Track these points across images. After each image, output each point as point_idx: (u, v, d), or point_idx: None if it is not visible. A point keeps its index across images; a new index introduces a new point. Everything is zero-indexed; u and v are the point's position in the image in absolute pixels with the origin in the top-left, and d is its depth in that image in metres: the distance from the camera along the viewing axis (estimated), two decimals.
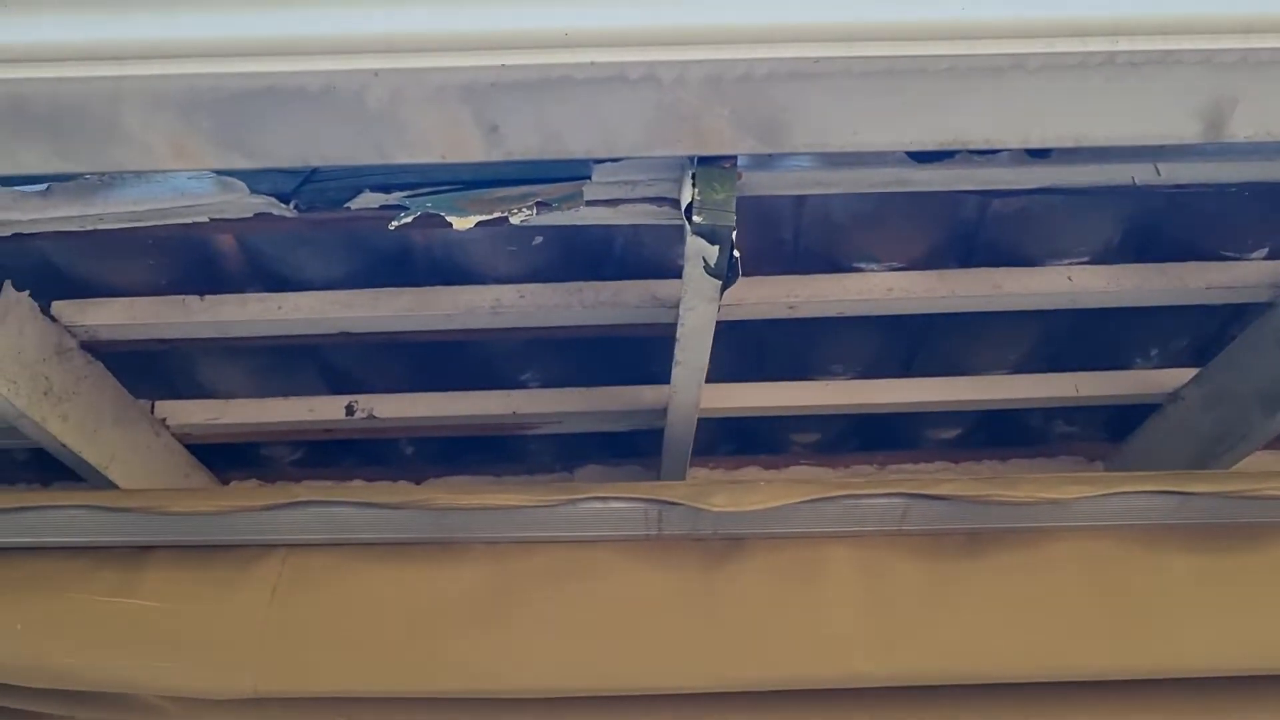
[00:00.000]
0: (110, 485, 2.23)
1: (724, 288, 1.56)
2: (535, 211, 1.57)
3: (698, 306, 1.64)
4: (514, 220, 1.57)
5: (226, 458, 2.68)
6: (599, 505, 1.84)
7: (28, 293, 1.92)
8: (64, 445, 2.07)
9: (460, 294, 1.98)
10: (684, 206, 1.46)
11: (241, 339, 2.12)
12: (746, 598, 1.88)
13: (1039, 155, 1.57)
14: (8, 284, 1.85)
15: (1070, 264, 1.98)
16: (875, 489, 1.82)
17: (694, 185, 1.46)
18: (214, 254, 1.99)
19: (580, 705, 1.91)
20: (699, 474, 2.58)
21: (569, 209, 1.58)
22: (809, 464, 2.69)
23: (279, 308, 2.03)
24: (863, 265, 1.99)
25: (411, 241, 1.96)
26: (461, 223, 1.56)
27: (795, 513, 1.81)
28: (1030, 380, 2.35)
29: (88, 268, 2.00)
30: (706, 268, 1.50)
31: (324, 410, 2.43)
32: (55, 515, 1.91)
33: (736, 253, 1.49)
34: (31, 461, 2.81)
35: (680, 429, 2.11)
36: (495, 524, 1.90)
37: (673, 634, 1.88)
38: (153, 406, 2.42)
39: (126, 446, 2.28)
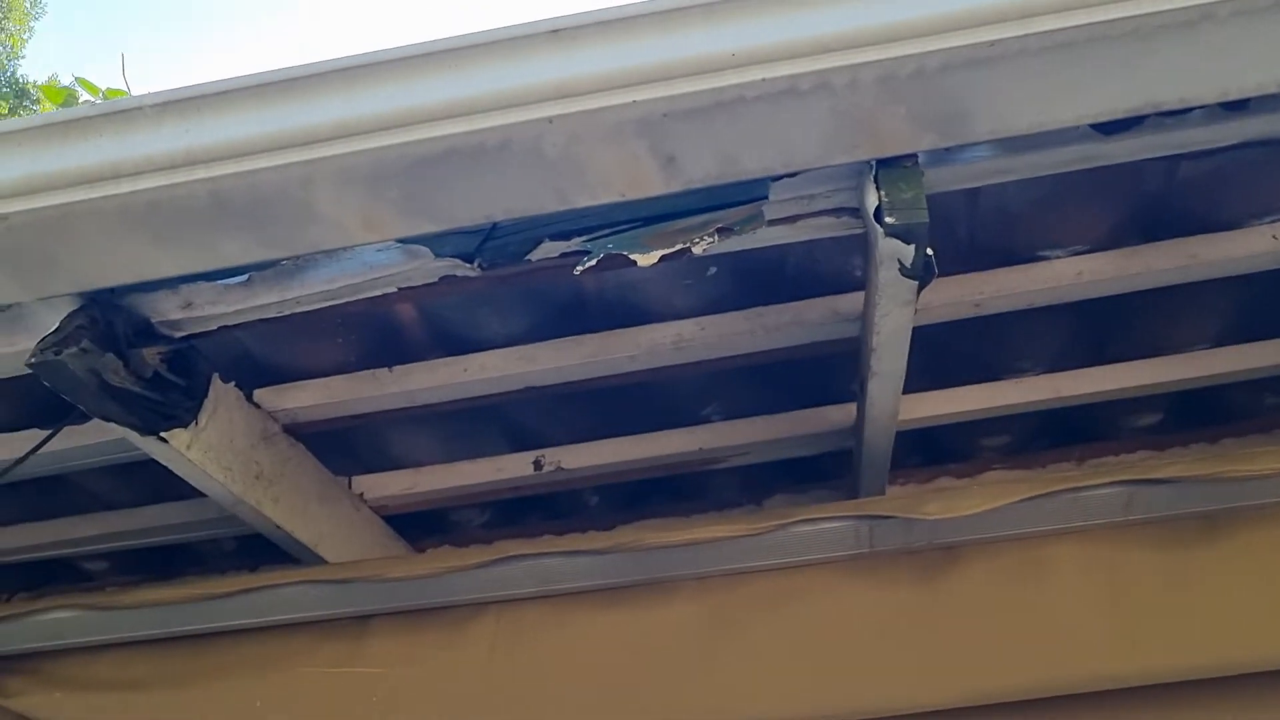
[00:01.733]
0: (321, 562, 2.30)
1: (920, 288, 1.53)
2: (717, 238, 1.56)
3: (893, 312, 1.60)
4: (696, 250, 1.57)
5: (419, 526, 2.74)
6: (808, 528, 1.82)
7: (233, 383, 2.00)
8: (278, 526, 2.14)
9: (641, 334, 1.99)
10: (872, 211, 1.43)
11: (429, 405, 2.17)
12: (970, 607, 1.82)
13: (1235, 108, 1.49)
14: (215, 376, 1.94)
15: (1274, 221, 1.87)
16: (1095, 479, 1.75)
17: (878, 188, 1.43)
18: (398, 325, 2.05)
19: None
20: (893, 491, 2.51)
21: (751, 231, 1.57)
22: (1003, 468, 2.60)
23: (465, 370, 2.07)
24: (1045, 253, 1.93)
25: (585, 289, 1.98)
26: (645, 259, 1.57)
27: (1014, 513, 1.75)
28: (1235, 352, 2.23)
29: (283, 353, 2.08)
30: (902, 269, 1.47)
31: (512, 468, 2.46)
32: (282, 593, 1.98)
33: (929, 251, 1.46)
34: (239, 550, 2.93)
35: (878, 443, 2.06)
36: (704, 558, 1.89)
37: (894, 652, 1.83)
38: (350, 482, 2.49)
39: (332, 523, 2.35)
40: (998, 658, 1.78)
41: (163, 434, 1.79)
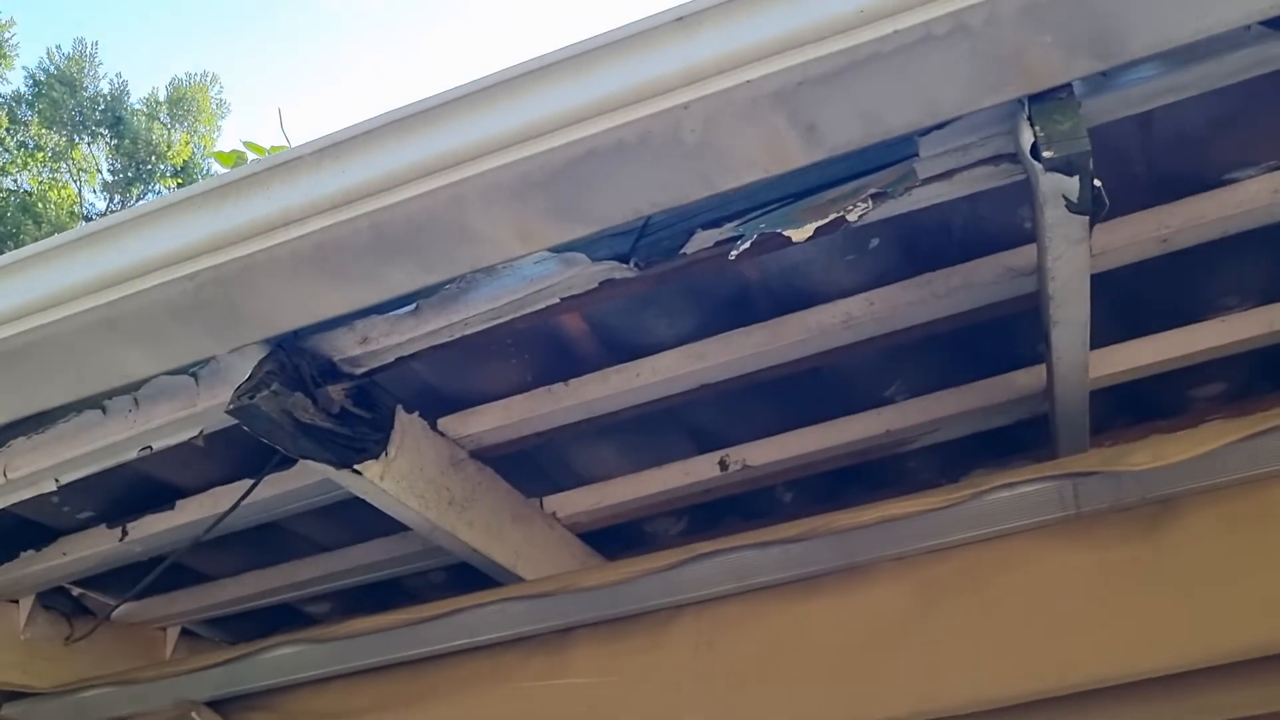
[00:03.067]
0: (520, 581, 2.34)
1: (1092, 223, 1.44)
2: (871, 204, 1.52)
3: (1066, 253, 1.52)
4: (850, 218, 1.53)
5: (615, 540, 2.76)
6: (1007, 494, 1.74)
7: (416, 413, 2.07)
8: (475, 550, 2.19)
9: (809, 316, 1.95)
10: (1028, 149, 1.36)
11: (608, 415, 2.18)
12: (1194, 563, 1.70)
13: None
14: (398, 408, 2.00)
15: None
16: None
17: (1033, 125, 1.36)
18: (566, 339, 2.07)
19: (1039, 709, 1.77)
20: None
21: (905, 191, 1.52)
22: (1222, 418, 2.42)
23: (638, 375, 2.07)
24: (1235, 174, 1.79)
25: (748, 279, 1.96)
26: (799, 233, 1.54)
27: (1235, 454, 1.63)
28: None
29: (460, 380, 2.13)
30: (1069, 205, 1.39)
31: (699, 470, 2.45)
32: (487, 612, 2.02)
33: (1097, 181, 1.38)
34: (448, 581, 3.01)
35: (1072, 400, 1.96)
36: (900, 536, 1.83)
37: (1111, 618, 1.72)
38: (541, 502, 2.53)
39: (528, 543, 2.39)
40: (1230, 616, 1.65)
41: (356, 467, 1.86)
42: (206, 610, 2.94)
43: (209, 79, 22.57)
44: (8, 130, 20.18)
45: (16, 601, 2.61)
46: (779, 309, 1.98)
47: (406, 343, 1.80)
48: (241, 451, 2.29)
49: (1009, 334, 2.11)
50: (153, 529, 2.38)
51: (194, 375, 1.88)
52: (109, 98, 21.11)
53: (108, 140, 21.25)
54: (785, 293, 1.97)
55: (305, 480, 2.18)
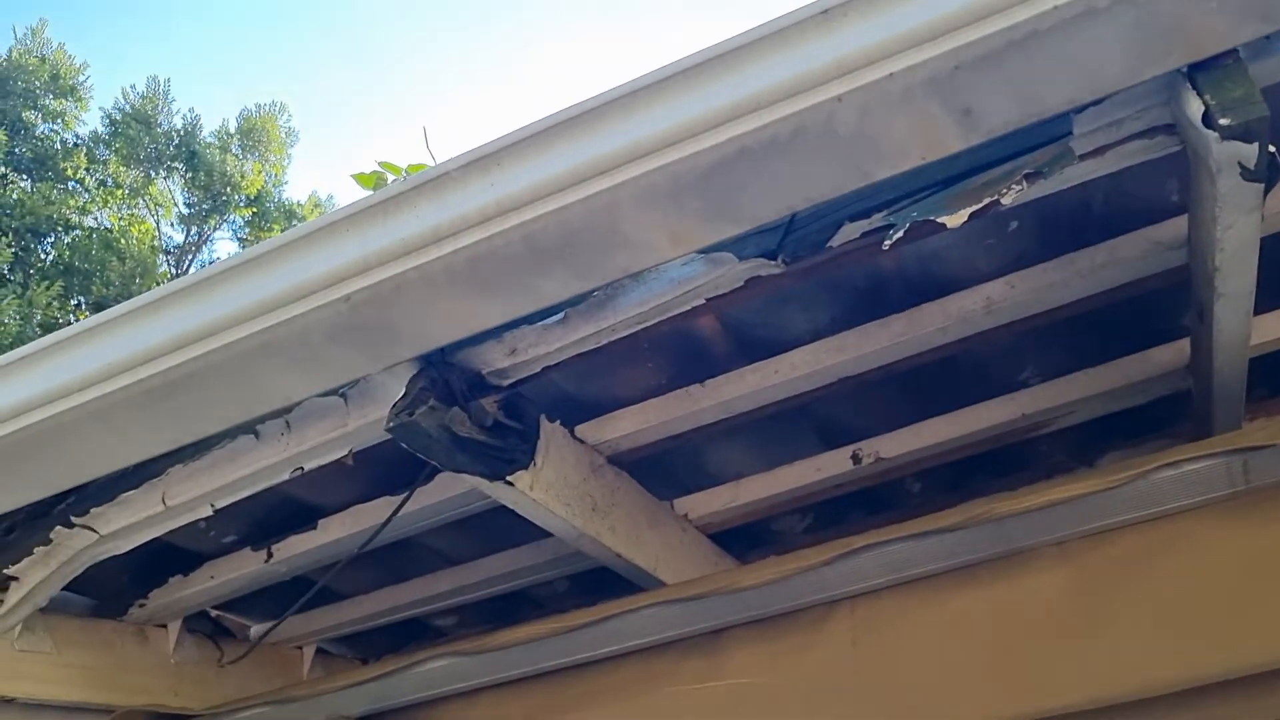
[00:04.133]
0: (660, 585, 2.35)
1: (1266, 190, 1.41)
2: (1025, 184, 1.50)
3: (1238, 222, 1.48)
4: (1005, 201, 1.51)
5: (743, 539, 2.76)
6: (1171, 473, 1.70)
7: (558, 422, 2.09)
8: (618, 555, 2.20)
9: (949, 304, 1.93)
10: (1199, 119, 1.33)
11: (742, 414, 2.18)
12: None
13: None
14: (542, 417, 2.02)
15: None
16: None
17: (1199, 94, 1.33)
18: (703, 339, 2.07)
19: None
20: (1250, 427, 2.31)
21: (1059, 171, 1.49)
22: None
23: (776, 371, 2.07)
24: None
25: (885, 268, 1.94)
26: (953, 220, 1.52)
27: None
28: None
29: (598, 387, 2.15)
30: (1244, 173, 1.36)
31: (830, 465, 2.44)
32: (638, 618, 2.02)
33: (1272, 148, 1.34)
34: (572, 589, 3.04)
35: (1230, 373, 1.91)
36: (1060, 521, 1.80)
37: None
38: (673, 505, 2.54)
39: (664, 546, 2.40)
40: None
41: (509, 478, 1.88)
42: (341, 628, 3.00)
43: (278, 109, 23.05)
44: (87, 170, 20.75)
45: (164, 626, 2.67)
46: (918, 297, 1.96)
47: (554, 352, 1.81)
48: (380, 470, 2.34)
49: (1150, 310, 2.08)
50: (296, 549, 2.43)
51: (343, 395, 1.91)
52: (182, 132, 21.63)
53: (182, 174, 21.76)
54: (924, 280, 1.95)
55: (443, 495, 2.21)
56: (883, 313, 1.98)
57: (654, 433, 2.20)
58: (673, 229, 1.53)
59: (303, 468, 2.01)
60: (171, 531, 2.24)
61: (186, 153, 21.53)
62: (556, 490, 2.01)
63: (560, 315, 1.76)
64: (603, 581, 2.66)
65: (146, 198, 21.70)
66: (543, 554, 2.64)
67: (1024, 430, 2.33)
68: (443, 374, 1.78)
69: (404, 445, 1.78)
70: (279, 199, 23.03)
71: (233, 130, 22.30)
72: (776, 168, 1.45)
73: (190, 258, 22.34)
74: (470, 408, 1.78)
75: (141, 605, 2.56)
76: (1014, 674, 1.83)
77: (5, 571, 2.14)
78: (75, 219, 20.21)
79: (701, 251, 1.64)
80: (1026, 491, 1.82)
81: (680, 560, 2.46)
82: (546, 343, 1.80)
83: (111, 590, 2.55)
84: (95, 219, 20.98)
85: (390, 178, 3.49)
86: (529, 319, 1.76)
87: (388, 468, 2.34)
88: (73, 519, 2.09)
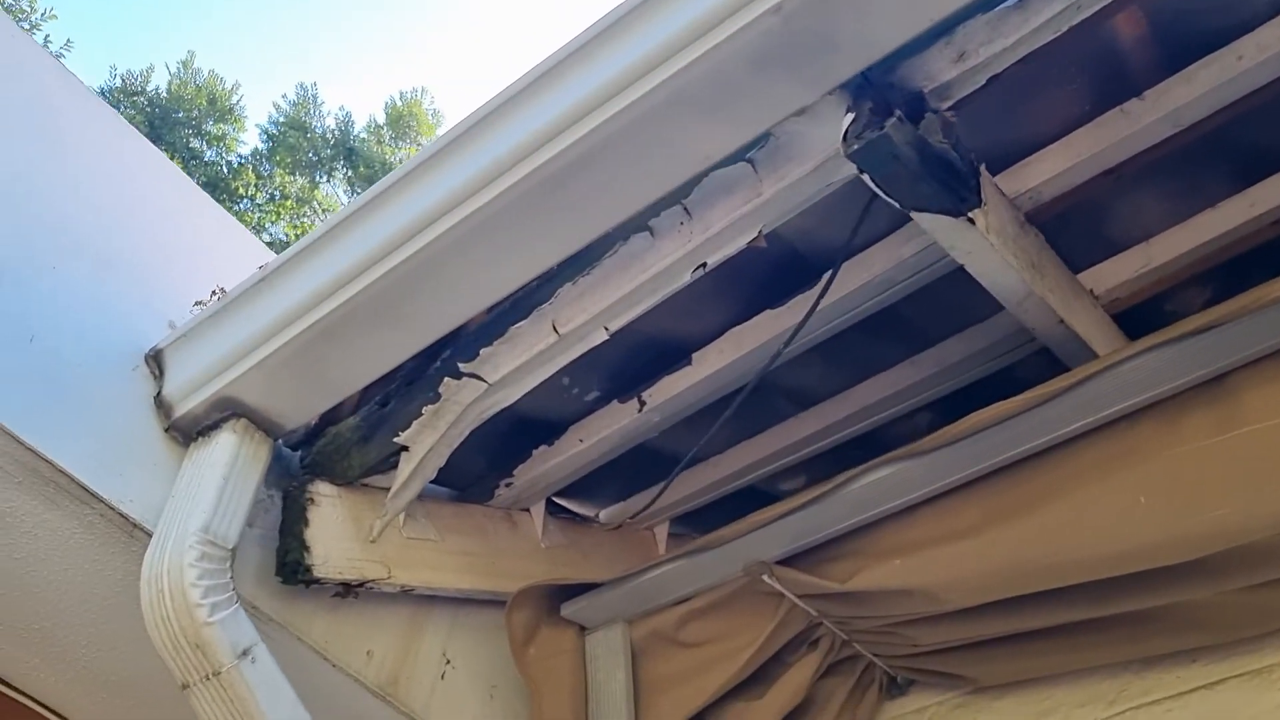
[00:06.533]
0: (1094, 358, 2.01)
1: None
2: None
3: None
4: None
5: (1139, 322, 2.39)
6: None
7: (983, 165, 1.76)
8: (1061, 320, 1.90)
9: None
10: None
11: (1158, 145, 1.82)
12: None
13: None
14: (972, 156, 1.70)
15: None
16: None
17: None
18: (1122, 50, 1.71)
19: None
20: None
21: None
22: None
23: (1224, 67, 1.70)
24: None
25: None
26: None
27: None
28: None
29: (1014, 123, 1.81)
30: None
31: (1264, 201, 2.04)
32: (1127, 372, 1.71)
33: None
34: (931, 425, 2.71)
35: None
36: None
37: None
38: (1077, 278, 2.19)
39: (1090, 323, 2.05)
40: None
41: (970, 215, 1.57)
42: (692, 499, 2.76)
43: (420, 93, 23.26)
44: (256, 186, 21.38)
45: (528, 511, 2.49)
46: None
47: (1005, 52, 1.49)
48: (748, 287, 2.08)
49: None
50: (671, 391, 2.19)
51: (749, 162, 1.64)
52: (337, 132, 22.05)
53: (343, 173, 22.22)
54: None
55: (872, 274, 1.93)
56: None
57: (1076, 174, 1.86)
58: None
59: (705, 264, 1.75)
60: (529, 398, 2.04)
61: (345, 151, 21.95)
62: (1003, 239, 1.70)
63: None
64: (967, 401, 2.32)
65: (314, 203, 22.25)
66: (988, 335, 2.28)
67: None
68: (884, 98, 1.48)
69: (865, 176, 1.49)
70: None
71: (382, 121, 22.63)
72: None
73: None
74: (922, 129, 1.48)
75: (508, 485, 2.38)
76: None
77: (395, 441, 1.96)
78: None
79: None
80: None
81: (1101, 339, 2.11)
82: (1002, 36, 1.47)
83: (472, 476, 2.38)
84: (269, 233, 21.65)
85: None
86: (983, 4, 1.44)
87: (756, 282, 2.08)
88: (460, 367, 1.88)
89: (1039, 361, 2.21)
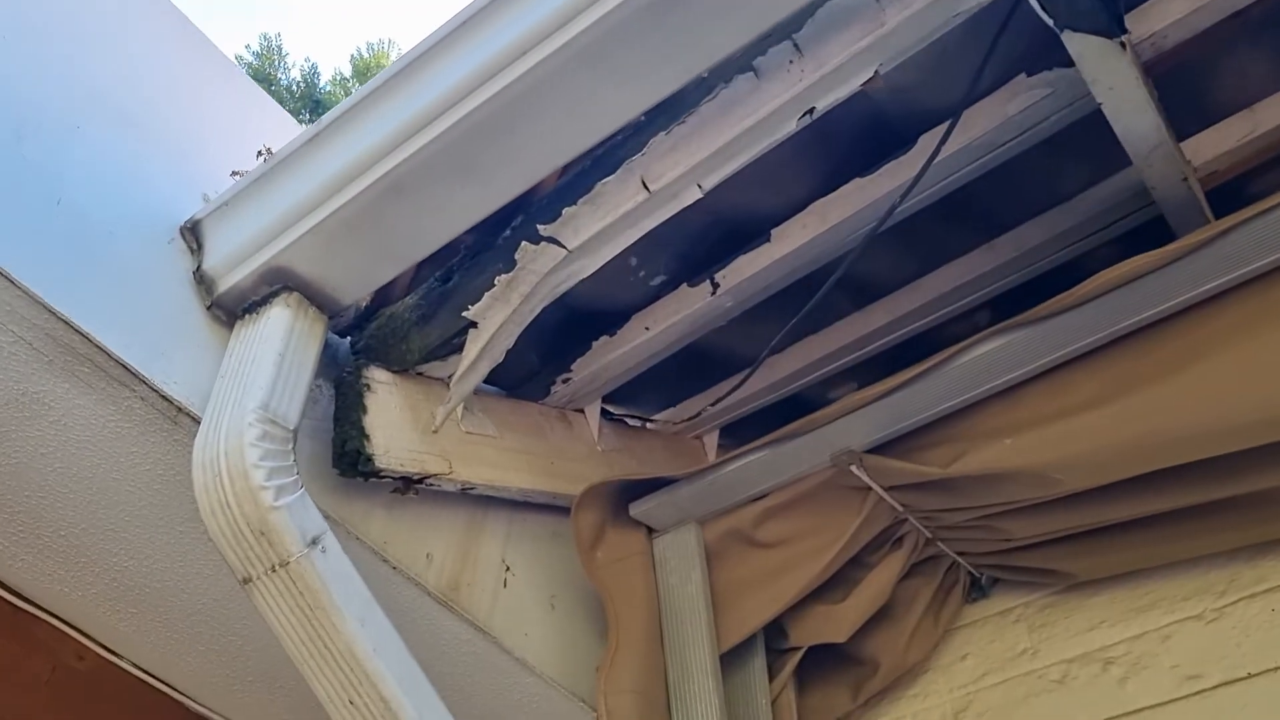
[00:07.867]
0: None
1: None
2: None
3: None
4: None
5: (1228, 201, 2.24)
6: None
7: None
8: (1184, 179, 1.74)
9: None
10: None
11: None
12: None
13: None
14: None
15: None
16: None
17: None
18: None
19: None
20: None
21: None
22: None
23: None
24: None
25: None
26: None
27: None
28: None
29: None
30: None
31: None
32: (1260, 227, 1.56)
33: None
34: (991, 321, 2.55)
35: None
36: None
37: None
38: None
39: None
40: None
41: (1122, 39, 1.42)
42: (742, 406, 2.60)
43: (388, 45, 22.71)
44: None
45: (582, 412, 2.33)
46: None
47: None
48: (837, 151, 1.92)
49: None
50: (747, 272, 2.02)
51: None
52: (302, 84, 21.53)
53: (309, 124, 21.74)
54: None
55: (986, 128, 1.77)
56: None
57: (1205, 15, 1.70)
58: None
59: (814, 108, 1.59)
60: (595, 278, 1.87)
61: (310, 103, 21.44)
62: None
63: None
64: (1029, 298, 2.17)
65: None
66: (1001, 253, 2.16)
67: None
68: None
69: None
70: None
71: (348, 74, 22.10)
72: None
73: None
74: None
75: (565, 381, 2.21)
76: None
77: (464, 316, 1.79)
78: None
79: None
80: None
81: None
82: None
83: (525, 372, 2.20)
84: None
85: None
86: None
87: (843, 148, 1.92)
88: (539, 229, 1.71)
89: (1110, 253, 2.07)
